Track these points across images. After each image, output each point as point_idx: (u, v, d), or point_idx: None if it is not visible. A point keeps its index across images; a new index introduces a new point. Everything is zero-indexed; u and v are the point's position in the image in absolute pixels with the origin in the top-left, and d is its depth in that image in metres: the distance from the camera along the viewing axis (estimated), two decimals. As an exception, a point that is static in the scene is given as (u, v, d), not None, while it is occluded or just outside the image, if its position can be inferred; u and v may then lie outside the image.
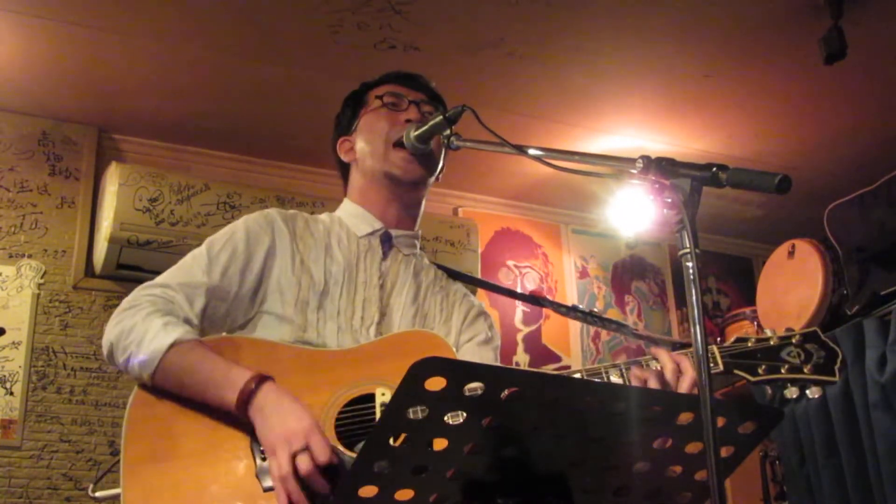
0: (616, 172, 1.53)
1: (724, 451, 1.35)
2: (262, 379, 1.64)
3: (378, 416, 1.69)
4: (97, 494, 1.77)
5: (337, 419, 1.68)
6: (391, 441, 1.25)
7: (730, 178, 1.33)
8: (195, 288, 1.81)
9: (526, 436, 1.29)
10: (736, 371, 1.79)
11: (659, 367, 1.70)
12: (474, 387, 1.21)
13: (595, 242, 5.23)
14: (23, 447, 3.70)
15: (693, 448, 1.35)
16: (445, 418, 1.23)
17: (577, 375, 1.73)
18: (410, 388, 1.20)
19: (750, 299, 4.47)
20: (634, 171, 1.42)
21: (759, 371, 1.80)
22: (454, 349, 1.89)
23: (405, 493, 1.30)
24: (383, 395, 1.70)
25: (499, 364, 1.98)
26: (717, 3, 3.55)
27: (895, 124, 4.33)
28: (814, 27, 3.52)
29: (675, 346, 1.80)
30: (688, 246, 1.30)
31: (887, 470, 3.27)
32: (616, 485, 1.41)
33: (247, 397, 1.62)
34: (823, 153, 4.58)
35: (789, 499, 3.90)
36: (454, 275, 2.14)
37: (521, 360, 4.71)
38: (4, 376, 3.75)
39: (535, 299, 2.31)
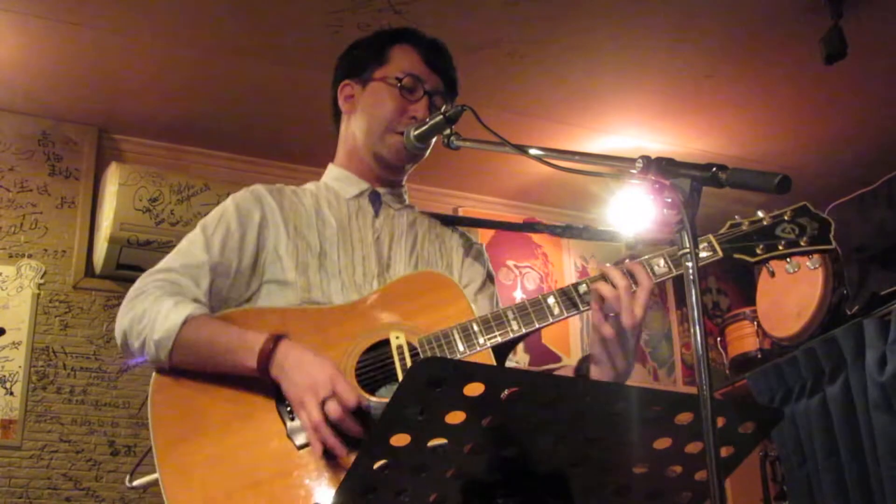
0: (616, 172, 1.53)
1: (724, 451, 1.35)
2: (278, 338, 1.67)
3: (395, 359, 1.70)
4: (135, 483, 1.78)
5: (356, 368, 1.71)
6: (391, 441, 1.25)
7: (730, 178, 1.33)
8: (198, 268, 1.83)
9: (526, 436, 1.29)
10: (736, 255, 1.81)
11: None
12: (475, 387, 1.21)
13: (595, 242, 5.22)
14: (23, 447, 3.70)
15: (693, 448, 1.35)
16: (445, 418, 1.23)
17: (551, 299, 1.75)
18: (410, 387, 1.20)
19: (750, 299, 4.47)
20: (634, 171, 1.42)
21: (758, 251, 1.82)
22: None
23: (405, 493, 1.30)
24: (397, 339, 1.72)
25: (498, 308, 1.99)
26: (718, 3, 3.55)
27: (895, 124, 4.33)
28: (814, 27, 3.52)
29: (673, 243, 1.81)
30: (688, 246, 1.30)
31: (887, 470, 3.27)
32: (616, 485, 1.41)
33: (266, 358, 1.65)
34: (823, 153, 4.58)
35: (789, 499, 3.90)
36: (447, 219, 2.15)
37: (522, 359, 4.71)
38: (4, 376, 3.75)
39: (528, 226, 2.36)
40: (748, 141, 4.49)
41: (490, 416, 1.25)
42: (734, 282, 5.47)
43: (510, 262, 4.94)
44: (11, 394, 3.74)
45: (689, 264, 1.29)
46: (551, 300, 1.75)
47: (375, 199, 2.02)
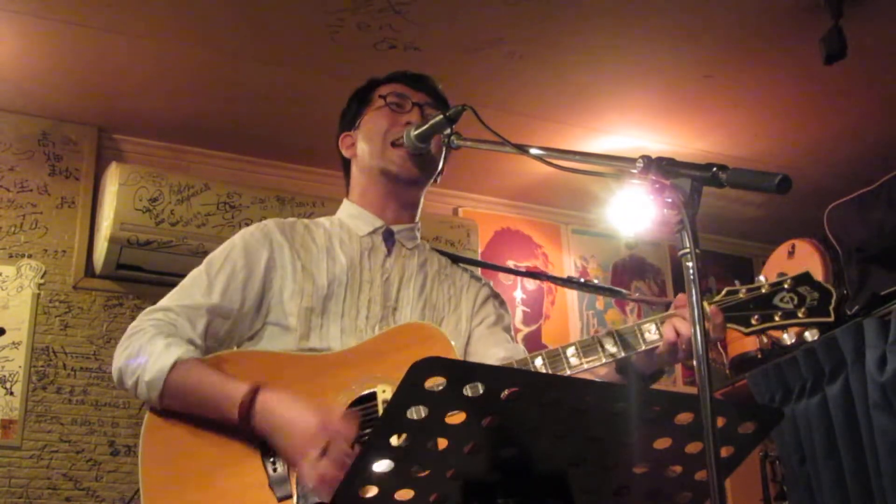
0: (616, 172, 1.53)
1: (724, 451, 1.35)
2: (255, 391, 1.66)
3: (381, 413, 1.70)
4: None
5: None
6: (392, 441, 1.25)
7: (730, 178, 1.33)
8: (196, 309, 1.84)
9: (526, 436, 1.29)
10: (728, 325, 1.77)
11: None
12: (474, 387, 1.21)
13: (595, 242, 5.22)
14: (23, 447, 3.70)
15: (693, 448, 1.35)
16: (445, 418, 1.23)
17: (538, 361, 1.77)
18: (410, 388, 1.20)
19: (750, 299, 4.46)
20: (634, 171, 1.42)
21: (752, 322, 1.78)
22: (463, 336, 1.91)
23: (405, 493, 1.30)
24: (384, 393, 1.72)
25: (513, 342, 1.98)
26: (718, 3, 3.54)
27: (895, 124, 4.33)
28: (814, 27, 3.52)
29: (668, 307, 1.81)
30: (688, 246, 1.30)
31: (887, 470, 3.27)
32: (616, 485, 1.41)
33: (246, 412, 1.65)
34: (823, 153, 4.58)
35: (789, 499, 3.90)
36: (457, 259, 2.16)
37: (521, 360, 4.70)
38: (4, 376, 3.75)
39: (533, 274, 2.39)
40: (748, 141, 4.49)
41: (490, 416, 1.25)
42: (734, 282, 5.46)
43: (510, 263, 4.94)
44: (11, 394, 3.74)
45: (690, 264, 1.30)
46: (538, 362, 1.77)
47: (389, 237, 2.03)
